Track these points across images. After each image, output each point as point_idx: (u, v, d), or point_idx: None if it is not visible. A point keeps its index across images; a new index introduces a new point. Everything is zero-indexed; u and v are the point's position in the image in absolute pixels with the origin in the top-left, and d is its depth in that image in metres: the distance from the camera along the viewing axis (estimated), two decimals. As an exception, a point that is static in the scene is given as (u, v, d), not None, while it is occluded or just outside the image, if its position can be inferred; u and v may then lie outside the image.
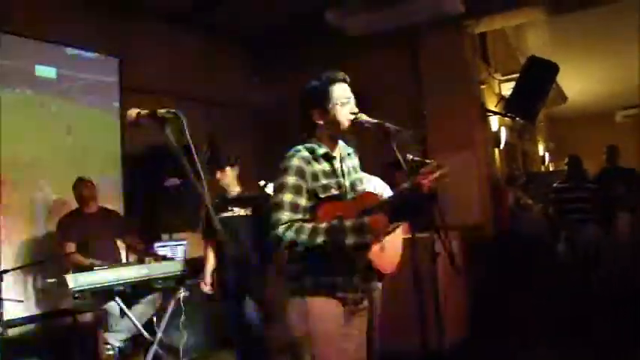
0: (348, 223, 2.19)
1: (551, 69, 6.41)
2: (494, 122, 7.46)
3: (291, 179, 2.25)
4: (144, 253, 4.84)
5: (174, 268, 4.54)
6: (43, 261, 4.58)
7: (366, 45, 6.51)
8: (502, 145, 7.65)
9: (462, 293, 5.16)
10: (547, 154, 11.98)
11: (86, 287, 3.92)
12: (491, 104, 7.40)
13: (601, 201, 5.94)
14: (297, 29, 6.79)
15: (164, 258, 4.76)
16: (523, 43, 8.83)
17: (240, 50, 7.74)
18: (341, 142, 2.49)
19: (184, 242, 5.65)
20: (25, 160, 4.95)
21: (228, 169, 4.31)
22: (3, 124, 4.79)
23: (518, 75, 6.74)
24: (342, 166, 2.44)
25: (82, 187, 4.79)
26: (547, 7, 6.39)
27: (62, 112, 5.33)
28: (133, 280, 4.17)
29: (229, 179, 4.33)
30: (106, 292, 4.16)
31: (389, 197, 2.84)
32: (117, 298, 4.15)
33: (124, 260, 5.06)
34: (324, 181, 2.31)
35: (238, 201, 4.33)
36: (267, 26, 6.96)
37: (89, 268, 4.09)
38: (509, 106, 6.69)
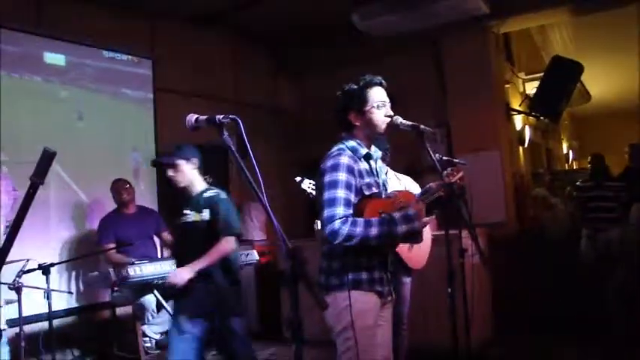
0: (396, 214, 2.33)
1: (576, 68, 6.45)
2: (518, 121, 7.51)
3: (342, 176, 2.35)
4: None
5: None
6: (87, 255, 4.76)
7: (390, 46, 6.62)
8: (526, 144, 7.70)
9: (486, 291, 5.25)
10: (571, 153, 11.94)
11: (127, 281, 4.10)
12: (516, 103, 7.45)
13: (623, 200, 5.94)
14: (322, 31, 6.91)
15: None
16: (547, 43, 8.83)
17: (266, 51, 7.89)
18: (372, 145, 2.63)
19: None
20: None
21: (182, 162, 3.45)
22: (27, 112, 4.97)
23: (542, 74, 6.79)
24: (377, 167, 2.58)
25: (121, 189, 4.95)
26: (571, 7, 6.42)
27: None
28: (168, 274, 4.32)
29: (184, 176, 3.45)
30: (144, 287, 4.35)
31: (422, 194, 3.00)
32: (155, 292, 4.32)
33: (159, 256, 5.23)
34: (367, 180, 2.44)
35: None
36: (292, 27, 7.09)
37: (129, 264, 4.26)
38: (534, 105, 6.75)
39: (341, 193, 2.33)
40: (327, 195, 2.34)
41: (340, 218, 2.28)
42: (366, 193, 2.41)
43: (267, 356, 5.12)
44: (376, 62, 6.81)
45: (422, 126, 2.56)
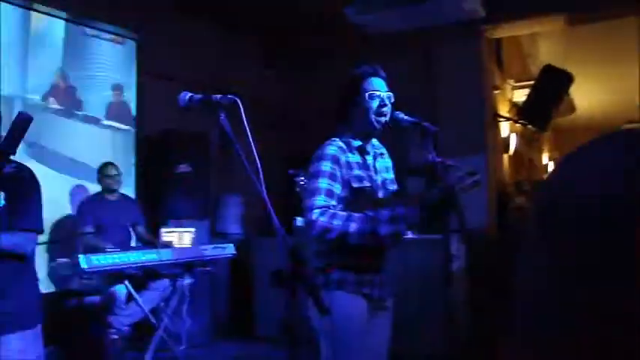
0: (383, 212, 2.19)
1: (566, 78, 6.41)
2: (504, 128, 7.46)
3: (326, 165, 2.26)
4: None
5: (182, 255, 4.53)
6: (58, 241, 4.57)
7: (383, 44, 6.49)
8: (511, 152, 7.66)
9: (464, 296, 5.19)
10: (551, 164, 12.03)
11: (97, 269, 3.90)
12: (503, 110, 7.40)
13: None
14: (313, 24, 6.76)
15: (172, 245, 4.75)
16: (536, 51, 8.82)
17: (255, 42, 7.70)
18: (375, 141, 2.51)
19: (192, 230, 5.62)
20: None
21: None
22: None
23: (531, 82, 6.74)
24: (374, 163, 2.45)
25: (108, 175, 4.78)
26: (566, 17, 6.38)
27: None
28: (143, 264, 4.15)
29: None
30: (115, 275, 4.15)
31: (421, 194, 2.86)
32: (126, 282, 4.13)
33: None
34: (357, 172, 2.32)
35: None
36: (281, 18, 6.93)
37: (102, 251, 4.08)
38: (523, 113, 6.69)
39: (323, 183, 2.23)
40: (309, 185, 2.26)
41: (319, 208, 2.17)
42: (355, 185, 2.29)
43: (236, 353, 4.99)
44: (366, 58, 6.71)
45: (425, 123, 2.44)
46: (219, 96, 1.62)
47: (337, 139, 2.37)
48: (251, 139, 1.51)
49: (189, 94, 1.70)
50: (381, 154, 2.54)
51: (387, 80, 2.45)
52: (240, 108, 1.55)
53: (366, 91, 2.36)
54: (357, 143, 2.38)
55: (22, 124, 1.43)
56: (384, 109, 2.37)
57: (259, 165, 1.51)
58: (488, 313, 5.28)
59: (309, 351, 2.32)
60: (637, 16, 6.57)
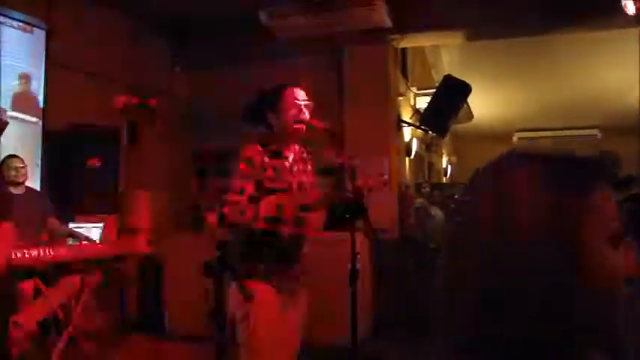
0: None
1: (465, 88, 6.89)
2: (407, 133, 7.89)
3: (241, 165, 2.46)
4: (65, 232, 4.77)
5: (92, 251, 4.51)
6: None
7: (293, 47, 6.71)
8: (412, 155, 8.10)
9: (367, 293, 5.49)
10: (449, 167, 12.71)
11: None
12: (406, 115, 7.82)
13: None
14: (224, 23, 6.85)
15: (83, 237, 4.72)
16: (439, 62, 9.37)
17: (166, 38, 7.66)
18: (298, 145, 2.70)
19: (100, 225, 5.56)
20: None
21: None
22: None
23: (433, 90, 7.18)
24: (292, 166, 2.63)
25: (13, 167, 4.61)
26: (466, 32, 6.88)
27: None
28: (52, 260, 4.10)
29: None
30: (22, 272, 4.07)
31: (328, 196, 3.08)
32: (36, 278, 4.07)
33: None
34: (271, 174, 2.51)
35: None
36: (194, 16, 6.97)
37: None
38: (424, 119, 7.13)
39: (236, 181, 2.44)
40: (225, 183, 2.46)
41: (229, 204, 2.38)
42: (267, 186, 2.49)
43: (146, 349, 5.02)
44: (278, 60, 6.91)
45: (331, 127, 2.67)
46: (154, 101, 1.73)
47: (256, 143, 2.54)
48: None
49: (125, 97, 1.80)
50: (304, 156, 2.73)
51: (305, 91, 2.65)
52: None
53: (287, 102, 2.56)
54: (273, 147, 2.56)
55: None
56: (303, 116, 2.57)
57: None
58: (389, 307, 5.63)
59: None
60: (529, 37, 7.19)
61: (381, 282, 5.68)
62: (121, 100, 1.65)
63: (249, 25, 6.36)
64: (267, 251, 2.48)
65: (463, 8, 6.37)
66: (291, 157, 2.63)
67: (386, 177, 2.64)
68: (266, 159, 2.52)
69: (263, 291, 2.42)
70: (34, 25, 5.46)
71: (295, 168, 2.64)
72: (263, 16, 6.20)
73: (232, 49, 7.11)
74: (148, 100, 1.47)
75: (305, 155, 2.75)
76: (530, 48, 8.09)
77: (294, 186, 2.62)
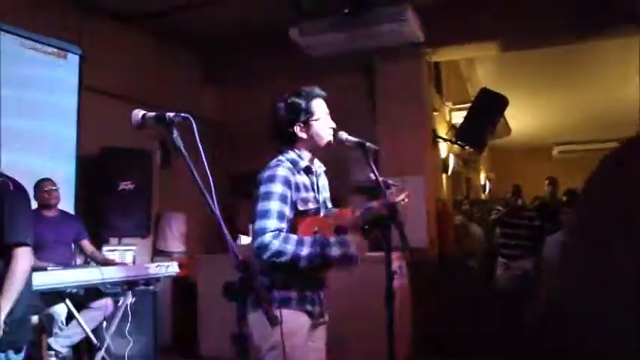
0: (332, 238, 2.27)
1: (502, 102, 6.71)
2: (443, 149, 7.71)
3: (278, 188, 2.29)
4: (98, 258, 4.75)
5: (125, 273, 4.46)
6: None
7: (324, 64, 6.64)
8: (450, 172, 7.91)
9: (408, 313, 5.32)
10: (487, 183, 12.42)
11: (37, 288, 3.78)
12: (442, 131, 7.65)
13: (537, 231, 6.16)
14: (253, 42, 6.85)
15: (116, 263, 4.67)
16: (473, 75, 9.18)
17: (194, 57, 7.71)
18: (316, 159, 2.56)
19: (133, 247, 5.55)
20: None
21: None
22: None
23: (468, 105, 7.02)
24: (317, 182, 2.51)
25: (45, 190, 4.62)
26: (500, 43, 6.71)
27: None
28: (84, 283, 4.06)
29: None
30: (54, 295, 4.04)
31: (362, 215, 2.93)
32: (67, 301, 4.03)
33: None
34: (304, 194, 2.37)
35: None
36: (222, 35, 6.99)
37: (42, 269, 3.95)
38: (460, 134, 6.95)
39: (275, 205, 2.26)
40: (260, 207, 2.27)
41: (272, 232, 2.21)
42: (300, 208, 2.33)
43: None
44: (308, 79, 6.81)
45: (368, 143, 2.53)
46: (172, 114, 1.64)
47: (284, 160, 2.39)
48: (204, 157, 1.54)
49: (142, 112, 1.72)
50: (320, 173, 2.60)
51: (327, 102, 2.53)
52: (193, 126, 1.59)
53: (318, 113, 2.43)
54: (303, 164, 2.43)
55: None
56: (330, 129, 2.45)
57: (212, 182, 1.54)
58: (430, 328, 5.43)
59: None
60: (564, 45, 6.97)
61: (419, 301, 5.51)
62: (137, 115, 1.56)
63: (280, 43, 6.33)
64: (302, 277, 2.33)
65: (496, 19, 6.22)
66: (315, 173, 2.51)
67: (407, 192, 2.47)
68: (298, 177, 2.39)
69: (295, 320, 2.29)
70: (68, 51, 5.52)
71: (319, 184, 2.52)
72: (293, 34, 6.15)
73: (264, 68, 7.09)
74: (165, 113, 1.37)
75: (323, 169, 2.62)
76: (566, 57, 7.85)
77: (322, 203, 2.50)
